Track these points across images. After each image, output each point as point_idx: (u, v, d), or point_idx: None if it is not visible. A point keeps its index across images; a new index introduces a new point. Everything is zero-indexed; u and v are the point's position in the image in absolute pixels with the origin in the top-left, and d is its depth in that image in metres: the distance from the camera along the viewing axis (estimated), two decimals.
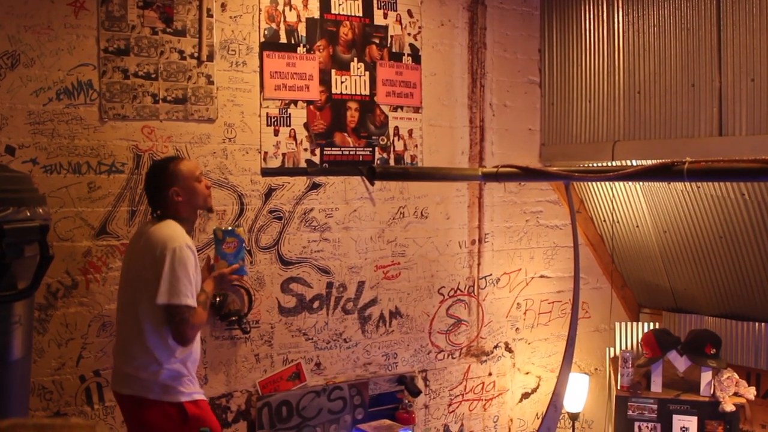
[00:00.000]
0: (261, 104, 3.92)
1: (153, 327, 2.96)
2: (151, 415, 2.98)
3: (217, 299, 3.78)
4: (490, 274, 4.75)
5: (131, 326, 3.03)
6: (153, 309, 2.94)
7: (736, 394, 4.14)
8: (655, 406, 4.19)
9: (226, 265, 3.18)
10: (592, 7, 4.54)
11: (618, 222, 4.85)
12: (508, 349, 4.87)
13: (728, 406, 4.03)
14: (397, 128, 4.33)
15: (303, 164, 4.06)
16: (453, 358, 4.64)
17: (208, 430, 2.91)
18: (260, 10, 3.91)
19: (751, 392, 4.14)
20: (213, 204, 3.33)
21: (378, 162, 4.27)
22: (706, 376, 4.14)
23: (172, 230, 3.01)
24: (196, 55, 3.73)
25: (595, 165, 4.50)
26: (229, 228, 3.25)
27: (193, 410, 3.02)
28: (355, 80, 4.19)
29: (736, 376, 4.16)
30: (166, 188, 3.07)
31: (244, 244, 3.25)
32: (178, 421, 2.98)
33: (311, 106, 4.06)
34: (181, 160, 3.18)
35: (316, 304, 4.15)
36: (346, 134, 4.17)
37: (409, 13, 4.36)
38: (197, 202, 3.15)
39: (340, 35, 4.14)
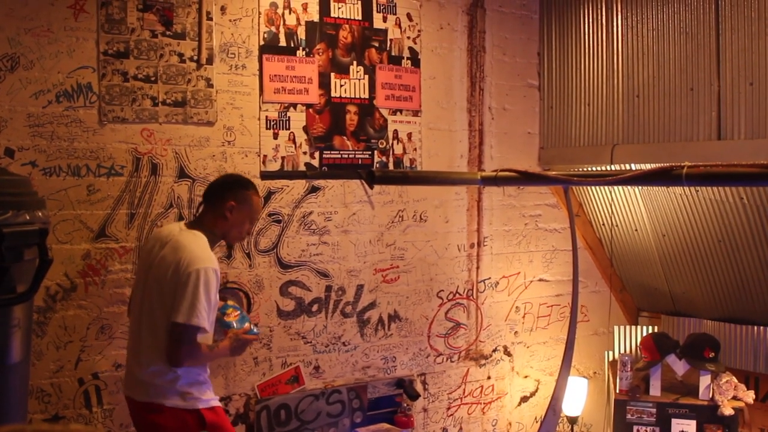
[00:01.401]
0: (260, 107, 3.92)
1: None
2: (167, 422, 2.95)
3: None
4: (489, 278, 4.75)
5: (150, 331, 3.00)
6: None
7: (734, 397, 4.14)
8: (653, 410, 4.19)
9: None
10: (591, 11, 4.55)
11: (617, 226, 4.85)
12: (507, 353, 4.87)
13: (727, 410, 4.03)
14: (396, 132, 4.33)
15: (302, 167, 4.06)
16: (452, 361, 4.64)
17: None
18: (260, 13, 3.91)
19: (749, 396, 4.15)
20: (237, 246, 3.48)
21: (377, 165, 4.27)
22: (704, 380, 4.14)
23: (202, 249, 2.99)
24: (195, 58, 3.73)
25: (593, 169, 4.50)
26: (224, 303, 3.30)
27: (211, 417, 3.01)
28: (355, 84, 4.19)
29: (734, 379, 4.17)
30: (230, 199, 3.09)
31: (242, 312, 3.32)
32: (194, 428, 2.96)
33: (310, 110, 4.07)
34: (258, 196, 3.26)
35: (315, 308, 4.14)
36: (345, 138, 4.17)
37: (409, 17, 4.36)
38: (233, 232, 3.17)
39: (340, 39, 4.15)
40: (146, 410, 3.02)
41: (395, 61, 4.32)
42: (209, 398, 3.04)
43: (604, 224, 4.96)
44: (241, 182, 3.23)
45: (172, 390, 2.95)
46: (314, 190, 4.11)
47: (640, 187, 4.43)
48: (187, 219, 3.58)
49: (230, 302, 3.33)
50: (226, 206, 3.09)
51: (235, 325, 3.21)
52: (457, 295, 4.63)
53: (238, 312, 3.26)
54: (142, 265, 3.20)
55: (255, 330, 3.29)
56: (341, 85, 4.15)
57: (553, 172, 3.91)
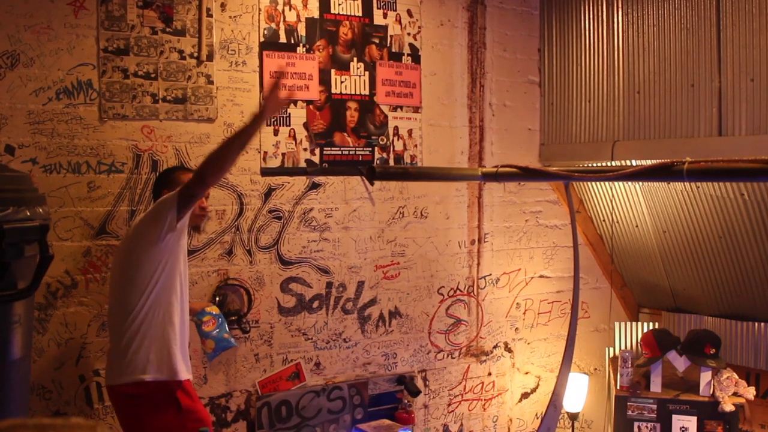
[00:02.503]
0: (260, 104, 3.92)
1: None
2: (143, 396, 2.96)
3: (217, 299, 3.78)
4: (490, 274, 4.75)
5: (115, 306, 3.05)
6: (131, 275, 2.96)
7: (735, 394, 4.14)
8: (654, 406, 4.19)
9: (212, 344, 3.29)
10: (591, 7, 4.54)
11: (617, 222, 4.85)
12: (508, 349, 4.87)
13: (728, 406, 4.04)
14: (396, 128, 4.33)
15: (302, 164, 4.06)
16: (452, 357, 4.64)
17: (207, 430, 2.91)
18: (260, 9, 3.91)
19: (750, 392, 4.15)
20: (203, 225, 3.46)
21: (377, 162, 4.27)
22: (705, 376, 4.14)
23: None
24: (195, 54, 3.73)
25: (594, 165, 4.50)
26: (200, 310, 3.36)
27: (186, 401, 3.00)
28: (355, 80, 4.19)
29: (735, 376, 4.17)
30: (163, 189, 3.14)
31: (221, 319, 3.36)
32: (169, 401, 2.98)
33: (311, 106, 4.06)
34: (188, 171, 3.25)
35: (315, 304, 4.15)
36: (345, 134, 4.17)
37: (409, 13, 4.36)
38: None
39: (340, 35, 4.14)
40: (122, 392, 3.01)
41: (396, 57, 4.32)
42: (180, 371, 3.02)
43: (604, 220, 4.96)
44: (167, 170, 3.40)
45: (142, 362, 2.94)
46: (315, 186, 4.11)
47: (640, 183, 4.43)
48: None
49: (207, 308, 3.39)
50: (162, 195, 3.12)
51: (214, 333, 3.29)
52: (458, 292, 4.63)
53: (216, 320, 3.31)
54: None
55: (233, 342, 3.35)
56: (341, 82, 4.15)
57: (554, 168, 3.90)
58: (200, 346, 3.46)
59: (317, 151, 4.09)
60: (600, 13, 4.48)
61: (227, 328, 3.36)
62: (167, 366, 2.98)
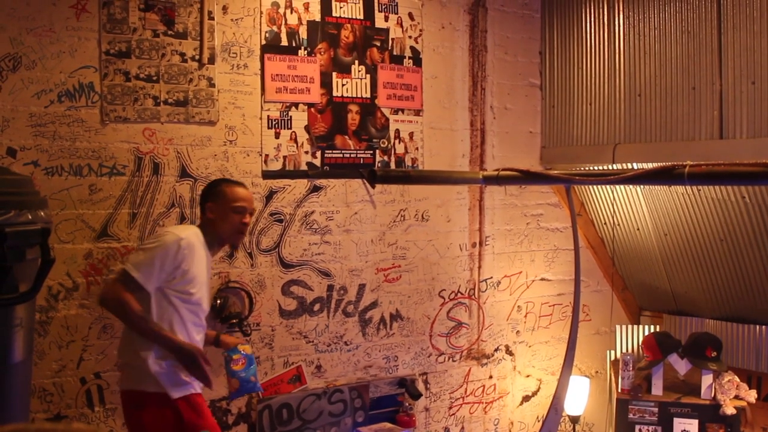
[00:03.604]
0: (262, 107, 3.92)
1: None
2: (146, 410, 3.01)
3: (218, 302, 3.78)
4: (491, 277, 4.75)
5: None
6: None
7: (737, 397, 4.14)
8: (655, 410, 4.19)
9: (237, 385, 3.26)
10: (592, 10, 4.54)
11: (619, 225, 4.85)
12: (509, 352, 4.87)
13: (729, 409, 4.03)
14: (397, 131, 4.33)
15: (304, 167, 4.06)
16: (453, 361, 4.64)
17: None
18: (261, 12, 3.91)
19: (752, 395, 4.14)
20: (240, 243, 3.58)
21: (379, 165, 4.27)
22: (706, 379, 4.14)
23: (181, 227, 3.21)
24: (197, 57, 3.74)
25: (595, 168, 4.50)
26: (233, 347, 3.32)
27: (188, 414, 3.04)
28: (356, 83, 4.19)
29: (737, 379, 4.16)
30: (206, 201, 3.28)
31: (254, 361, 3.32)
32: (170, 416, 3.01)
33: (312, 109, 4.07)
34: (234, 185, 3.33)
35: (316, 307, 4.15)
36: (347, 137, 4.18)
37: (410, 16, 4.36)
38: (224, 228, 3.24)
39: (341, 38, 4.15)
40: (126, 400, 3.10)
41: (397, 60, 4.32)
42: (184, 384, 3.05)
43: (605, 223, 4.96)
44: (214, 181, 3.42)
45: (144, 374, 2.98)
46: (316, 189, 4.11)
47: (642, 187, 4.43)
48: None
49: (240, 347, 3.33)
50: (206, 208, 3.27)
51: (240, 375, 3.27)
52: (459, 295, 4.63)
53: (246, 360, 3.27)
54: None
55: (259, 387, 3.34)
56: (343, 85, 4.15)
57: (555, 172, 3.91)
58: (225, 381, 3.41)
59: (318, 154, 4.09)
60: (601, 16, 4.49)
61: (255, 371, 3.32)
62: (170, 380, 3.01)
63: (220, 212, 3.23)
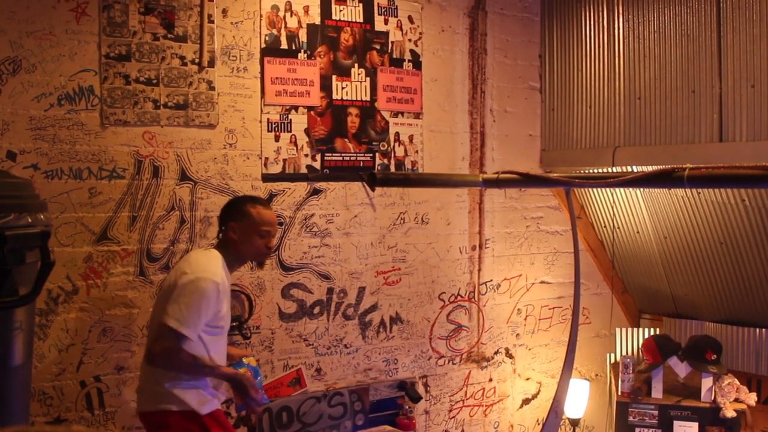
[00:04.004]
0: (262, 110, 3.93)
1: None
2: (169, 426, 2.98)
3: None
4: (491, 280, 4.75)
5: (149, 338, 3.07)
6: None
7: (736, 400, 4.13)
8: (655, 412, 4.18)
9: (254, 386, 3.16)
10: (592, 13, 4.55)
11: (618, 228, 4.85)
12: (509, 355, 4.86)
13: (729, 412, 4.03)
14: (397, 134, 4.33)
15: (304, 170, 4.06)
16: (453, 363, 4.64)
17: None
18: (261, 16, 3.92)
19: (751, 398, 4.14)
20: (265, 262, 3.42)
21: (378, 168, 4.28)
22: (706, 382, 4.14)
23: (208, 260, 3.02)
24: (197, 60, 3.74)
25: (595, 171, 4.50)
26: (238, 360, 3.27)
27: (214, 429, 3.02)
28: (356, 86, 4.19)
29: (736, 381, 4.16)
30: (228, 220, 3.14)
31: (259, 373, 3.28)
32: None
33: (312, 112, 4.07)
34: (261, 206, 3.19)
35: (316, 310, 4.15)
36: (346, 140, 4.18)
37: (410, 19, 4.36)
38: (246, 250, 3.16)
39: (341, 41, 4.15)
40: (148, 421, 3.05)
41: (396, 63, 4.33)
42: (209, 401, 3.03)
43: (605, 226, 4.96)
44: (238, 200, 3.26)
45: (167, 395, 2.96)
46: (316, 192, 4.11)
47: (641, 190, 4.43)
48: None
49: (245, 359, 3.28)
50: (229, 228, 3.13)
51: None
52: (459, 298, 4.63)
53: (251, 372, 3.23)
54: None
55: (266, 399, 3.26)
56: (342, 88, 4.16)
57: (555, 174, 3.90)
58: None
59: (318, 157, 4.09)
60: (601, 20, 4.49)
61: (262, 382, 3.27)
62: (195, 398, 2.98)
63: (244, 234, 3.11)
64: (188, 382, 2.97)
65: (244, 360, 3.27)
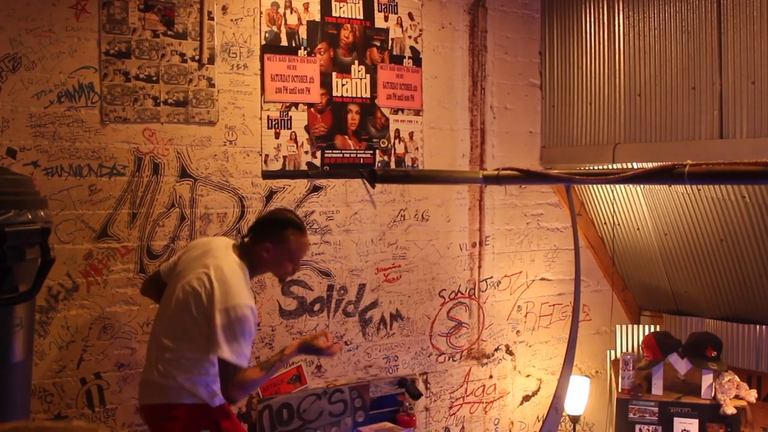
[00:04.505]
0: (262, 107, 3.93)
1: (198, 357, 2.96)
2: (183, 418, 2.96)
3: None
4: (491, 277, 4.75)
5: (173, 338, 2.98)
6: (203, 345, 2.92)
7: (737, 396, 4.14)
8: (656, 409, 4.19)
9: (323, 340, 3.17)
10: (592, 10, 4.54)
11: (619, 224, 4.85)
12: (509, 352, 4.87)
13: (729, 409, 4.03)
14: (397, 131, 4.33)
15: (304, 167, 4.06)
16: (454, 360, 4.64)
17: None
18: (261, 12, 3.91)
19: (752, 395, 4.14)
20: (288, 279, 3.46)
21: (379, 165, 4.27)
22: (707, 379, 4.14)
23: (240, 283, 2.94)
24: (197, 57, 3.74)
25: (595, 168, 4.50)
26: None
27: (227, 425, 3.03)
28: (356, 83, 4.19)
29: (737, 378, 4.16)
30: (266, 240, 3.06)
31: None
32: (211, 423, 2.99)
33: (312, 109, 4.07)
34: (300, 234, 3.12)
35: (316, 307, 4.15)
36: (346, 137, 4.18)
37: (410, 16, 4.36)
38: (273, 271, 3.18)
39: (341, 38, 4.15)
40: (153, 413, 3.03)
41: (397, 60, 4.32)
42: (217, 395, 3.02)
43: (606, 223, 4.96)
44: (281, 222, 3.13)
45: (178, 389, 2.95)
46: (316, 189, 4.11)
47: (642, 186, 4.43)
48: (237, 241, 3.32)
49: None
50: (263, 245, 3.06)
51: None
52: (459, 295, 4.63)
53: None
54: (183, 265, 3.11)
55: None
56: (343, 85, 4.15)
57: (555, 171, 3.91)
58: None
59: (318, 154, 4.09)
60: (601, 16, 4.49)
61: None
62: (205, 391, 2.97)
63: (277, 257, 3.08)
64: (199, 377, 2.96)
65: None
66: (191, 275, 2.99)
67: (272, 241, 3.05)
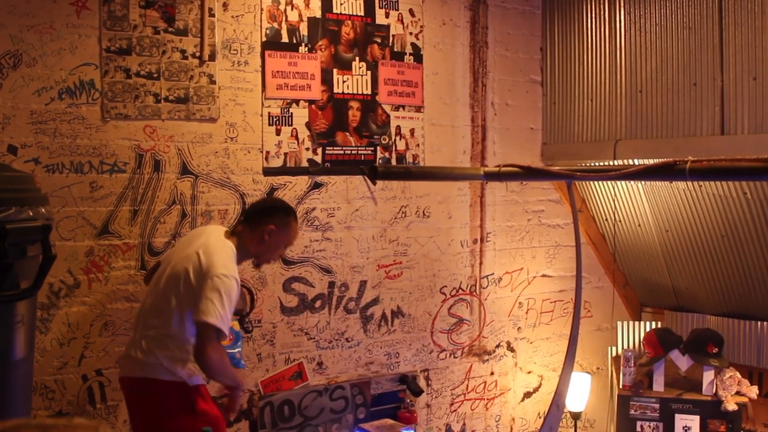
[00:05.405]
0: (263, 104, 3.92)
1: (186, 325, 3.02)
2: (162, 393, 3.03)
3: None
4: (492, 274, 4.75)
5: (157, 315, 3.06)
6: (185, 324, 3.01)
7: (738, 393, 4.14)
8: (657, 406, 4.19)
9: None
10: (593, 6, 4.53)
11: (620, 221, 4.84)
12: (510, 349, 4.87)
13: (730, 405, 4.03)
14: (398, 127, 4.33)
15: (305, 164, 4.06)
16: (455, 357, 4.64)
17: (210, 430, 2.93)
18: (262, 9, 3.91)
19: (753, 391, 4.14)
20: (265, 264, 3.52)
21: (380, 161, 4.27)
22: (708, 375, 4.14)
23: (227, 257, 3.06)
24: (197, 54, 3.73)
25: (596, 164, 4.49)
26: None
27: (201, 404, 3.06)
28: (357, 79, 4.19)
29: (738, 375, 4.16)
30: (270, 223, 3.17)
31: (240, 338, 3.37)
32: (187, 401, 3.04)
33: (313, 106, 4.06)
34: (296, 222, 3.30)
35: (318, 304, 4.15)
36: (348, 134, 4.17)
37: (411, 13, 4.35)
38: (267, 254, 3.26)
39: (342, 34, 4.14)
40: (132, 386, 3.10)
41: (398, 57, 4.32)
42: (197, 375, 3.08)
43: (607, 219, 4.96)
44: (284, 208, 3.30)
45: (158, 366, 3.00)
46: (317, 186, 4.11)
47: (643, 183, 4.43)
48: (230, 227, 3.43)
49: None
50: (265, 229, 3.16)
51: (228, 351, 3.28)
52: (460, 291, 4.63)
53: (233, 335, 3.31)
54: (176, 251, 3.24)
55: (242, 364, 3.33)
56: (344, 81, 4.15)
57: (556, 168, 3.90)
58: None
59: (319, 150, 4.09)
60: (602, 12, 4.48)
61: (241, 347, 3.36)
62: (185, 371, 3.03)
63: (276, 241, 3.20)
64: (180, 356, 3.01)
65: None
66: (182, 256, 3.10)
67: (276, 225, 3.17)
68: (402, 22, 4.32)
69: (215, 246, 3.08)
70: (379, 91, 4.26)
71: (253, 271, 3.92)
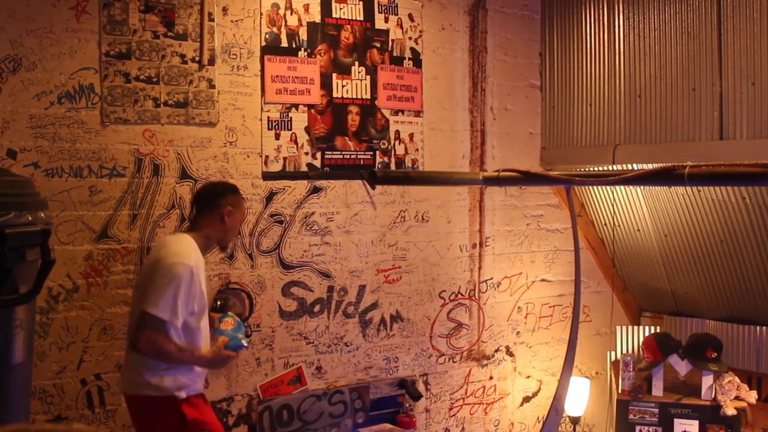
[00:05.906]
0: (262, 108, 3.93)
1: None
2: (150, 412, 3.07)
3: (218, 303, 3.77)
4: (491, 278, 4.75)
5: (130, 325, 3.13)
6: None
7: (737, 397, 4.13)
8: (656, 410, 4.18)
9: (225, 341, 3.22)
10: (593, 11, 4.54)
11: (619, 226, 4.85)
12: (509, 353, 4.87)
13: (729, 410, 4.03)
14: (398, 132, 4.33)
15: (304, 168, 4.06)
16: (454, 361, 4.64)
17: None
18: (261, 14, 3.92)
19: (752, 396, 4.14)
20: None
21: (379, 166, 4.28)
22: (707, 380, 4.14)
23: (182, 246, 3.10)
24: (197, 59, 3.74)
25: (596, 169, 4.50)
26: (224, 313, 3.38)
27: (192, 413, 3.08)
28: (356, 84, 4.19)
29: (737, 379, 4.16)
30: (225, 205, 3.22)
31: (242, 325, 3.36)
32: (174, 417, 3.05)
33: (312, 110, 4.07)
34: (243, 198, 3.43)
35: (317, 308, 4.15)
36: (347, 138, 4.18)
37: (410, 17, 4.36)
38: (229, 234, 3.31)
39: (341, 39, 4.15)
40: (129, 403, 3.16)
41: (397, 61, 4.33)
42: (188, 386, 3.08)
43: (606, 224, 4.96)
44: (231, 188, 3.37)
45: (144, 382, 3.03)
46: (316, 190, 4.11)
47: (642, 187, 4.43)
48: (185, 228, 3.52)
49: (231, 312, 3.39)
50: (223, 211, 3.22)
51: (228, 333, 3.26)
52: (459, 296, 4.63)
53: (234, 322, 3.29)
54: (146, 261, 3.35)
55: (244, 343, 3.30)
56: (343, 86, 4.15)
57: (555, 172, 3.91)
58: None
59: (319, 155, 4.09)
60: (601, 17, 4.49)
61: (243, 331, 3.35)
62: (173, 383, 3.05)
63: (235, 220, 3.28)
64: (165, 369, 3.03)
65: (229, 313, 3.36)
66: (146, 264, 3.21)
67: (232, 205, 3.25)
68: (401, 27, 4.33)
69: (168, 241, 3.19)
70: (378, 96, 4.26)
71: (252, 275, 3.92)
